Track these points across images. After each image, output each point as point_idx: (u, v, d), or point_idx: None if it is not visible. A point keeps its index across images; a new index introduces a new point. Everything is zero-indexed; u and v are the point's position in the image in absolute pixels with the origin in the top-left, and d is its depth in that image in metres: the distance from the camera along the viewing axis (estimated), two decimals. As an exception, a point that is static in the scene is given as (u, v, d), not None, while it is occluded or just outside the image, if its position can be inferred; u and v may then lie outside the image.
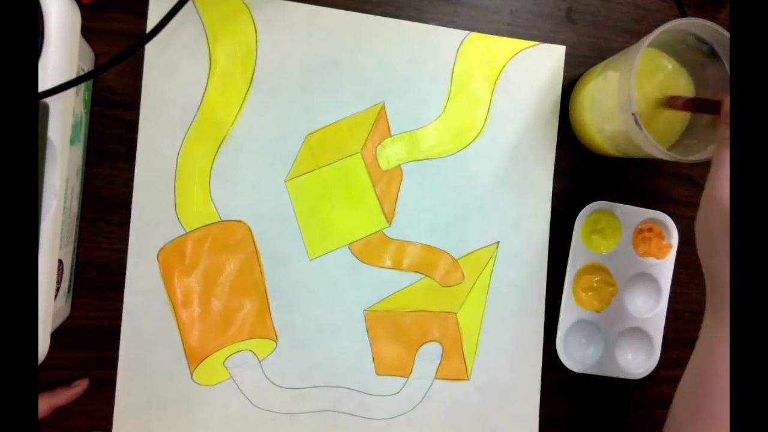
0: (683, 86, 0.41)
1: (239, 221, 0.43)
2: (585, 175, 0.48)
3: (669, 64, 0.41)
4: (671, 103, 0.40)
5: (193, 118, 0.42)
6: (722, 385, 0.33)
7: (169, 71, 0.42)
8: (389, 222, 0.45)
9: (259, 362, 0.43)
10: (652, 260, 0.47)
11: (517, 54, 0.47)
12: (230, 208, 0.43)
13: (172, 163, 0.42)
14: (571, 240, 0.46)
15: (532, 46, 0.47)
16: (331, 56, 0.44)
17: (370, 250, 0.45)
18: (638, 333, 0.47)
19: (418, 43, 0.45)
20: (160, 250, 0.42)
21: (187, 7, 0.42)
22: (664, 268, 0.47)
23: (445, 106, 0.46)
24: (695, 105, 0.39)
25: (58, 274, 0.34)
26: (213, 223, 0.43)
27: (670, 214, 0.47)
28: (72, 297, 0.41)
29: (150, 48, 0.42)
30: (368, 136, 0.44)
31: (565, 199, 0.47)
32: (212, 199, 0.43)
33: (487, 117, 0.46)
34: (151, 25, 0.41)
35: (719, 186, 0.33)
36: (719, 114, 0.37)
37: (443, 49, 0.45)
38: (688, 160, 0.37)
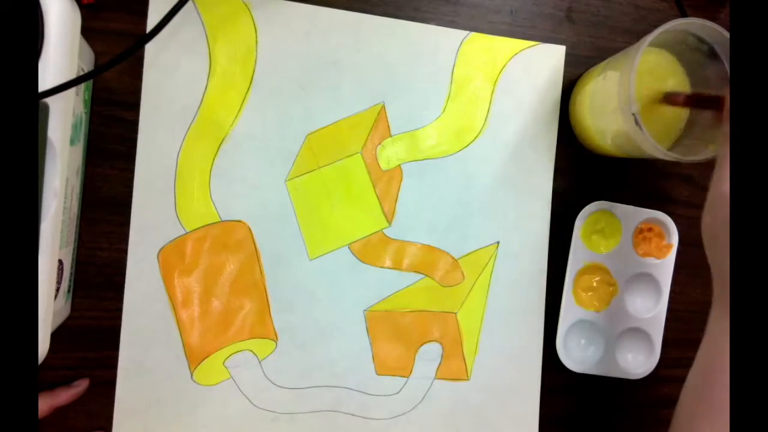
0: (683, 86, 0.41)
1: (239, 221, 0.43)
2: (585, 175, 0.48)
3: (669, 64, 0.41)
4: (670, 99, 0.40)
5: (193, 118, 0.42)
6: (728, 379, 0.33)
7: (169, 71, 0.42)
8: (389, 222, 0.45)
9: (259, 362, 0.43)
10: (652, 260, 0.47)
11: (517, 54, 0.47)
12: (230, 208, 0.43)
13: (172, 163, 0.42)
14: (571, 240, 0.46)
15: (532, 46, 0.47)
16: (331, 56, 0.44)
17: (370, 250, 0.45)
18: (638, 333, 0.47)
19: (418, 43, 0.45)
20: (160, 250, 0.42)
21: (187, 7, 0.42)
22: (664, 268, 0.47)
23: (445, 106, 0.46)
24: (695, 100, 0.39)
25: (58, 274, 0.34)
26: (213, 223, 0.43)
27: (670, 214, 0.47)
28: (72, 297, 0.41)
29: (150, 48, 0.42)
30: (368, 136, 0.44)
31: (565, 199, 0.47)
32: (212, 199, 0.43)
33: (487, 117, 0.46)
34: (151, 25, 0.41)
35: (724, 182, 0.33)
36: (719, 110, 0.37)
37: (443, 49, 0.45)
38: (688, 160, 0.37)
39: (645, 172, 0.48)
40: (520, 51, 0.47)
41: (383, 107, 0.45)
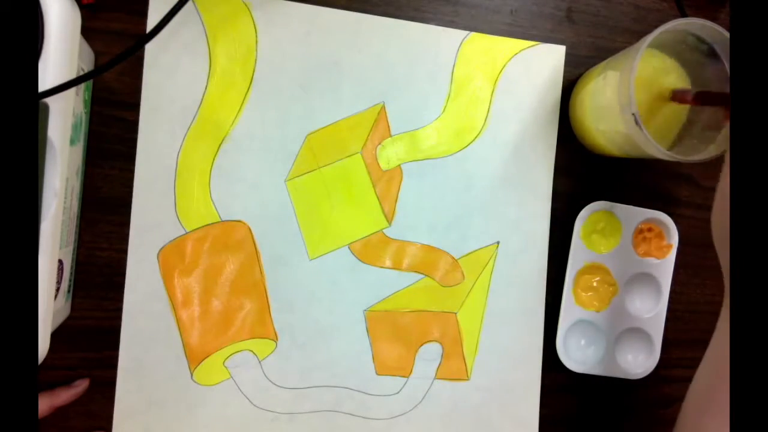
0: (683, 86, 0.41)
1: (239, 221, 0.43)
2: (585, 175, 0.48)
3: (669, 64, 0.41)
4: (679, 96, 0.39)
5: (193, 118, 0.42)
6: None
7: (169, 71, 0.42)
8: (389, 222, 0.45)
9: (259, 362, 0.43)
10: (652, 260, 0.47)
11: (517, 54, 0.47)
12: (230, 208, 0.43)
13: (172, 163, 0.42)
14: (571, 240, 0.46)
15: (532, 46, 0.47)
16: (331, 56, 0.44)
17: (370, 250, 0.45)
18: (638, 333, 0.47)
19: (418, 43, 0.45)
20: (160, 250, 0.42)
21: (187, 7, 0.42)
22: (664, 268, 0.47)
23: (445, 106, 0.46)
24: (704, 98, 0.39)
25: (58, 274, 0.34)
26: (213, 223, 0.43)
27: (670, 214, 0.47)
28: (72, 297, 0.41)
29: (150, 48, 0.42)
30: (368, 136, 0.44)
31: (565, 199, 0.47)
32: (212, 199, 0.43)
33: (487, 117, 0.46)
34: (151, 25, 0.41)
35: None
36: (728, 107, 0.36)
37: (443, 49, 0.45)
38: (688, 160, 0.37)
39: (645, 172, 0.48)
40: (520, 51, 0.47)
41: (383, 107, 0.45)
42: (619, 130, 0.40)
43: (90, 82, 0.41)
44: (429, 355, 0.46)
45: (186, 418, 0.42)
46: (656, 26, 0.36)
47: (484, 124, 0.46)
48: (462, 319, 0.46)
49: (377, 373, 0.45)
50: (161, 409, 0.42)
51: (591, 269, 0.46)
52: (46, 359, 0.33)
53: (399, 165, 0.45)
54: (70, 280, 0.40)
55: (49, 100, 0.30)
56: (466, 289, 0.46)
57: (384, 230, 0.45)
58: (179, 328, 0.42)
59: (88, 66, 0.39)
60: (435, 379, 0.46)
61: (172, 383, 0.42)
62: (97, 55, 0.41)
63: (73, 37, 0.32)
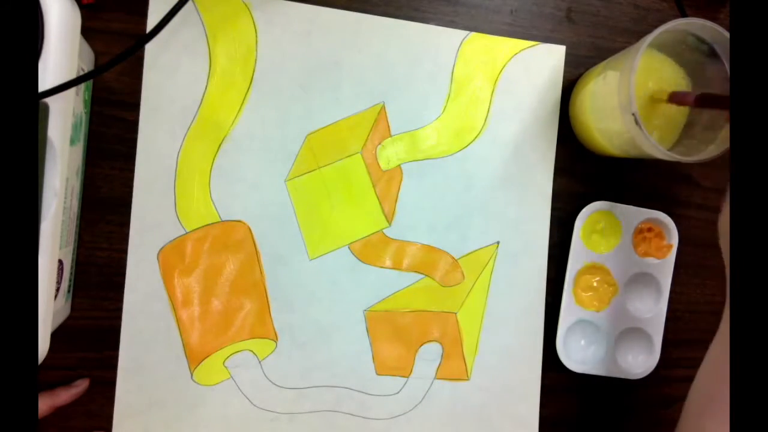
0: (683, 86, 0.41)
1: (239, 221, 0.43)
2: (585, 175, 0.48)
3: (669, 64, 0.41)
4: (679, 98, 0.39)
5: (193, 118, 0.42)
6: None
7: (169, 71, 0.42)
8: (389, 222, 0.45)
9: (259, 362, 0.43)
10: (652, 260, 0.47)
11: (517, 54, 0.47)
12: (230, 208, 0.43)
13: (172, 163, 0.42)
14: (571, 240, 0.46)
15: (532, 46, 0.47)
16: (331, 56, 0.44)
17: (370, 250, 0.45)
18: (638, 333, 0.47)
19: (418, 43, 0.45)
20: (160, 250, 0.42)
21: (187, 7, 0.42)
22: (664, 268, 0.47)
23: (445, 106, 0.46)
24: (705, 100, 0.39)
25: (58, 274, 0.34)
26: (213, 223, 0.43)
27: (670, 214, 0.47)
28: (72, 297, 0.41)
29: (150, 48, 0.42)
30: (368, 136, 0.44)
31: (565, 199, 0.47)
32: (212, 199, 0.43)
33: (487, 117, 0.46)
34: (151, 25, 0.41)
35: None
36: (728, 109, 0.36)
37: (443, 49, 0.45)
38: (688, 160, 0.37)
39: (645, 172, 0.48)
40: (520, 51, 0.47)
41: (383, 107, 0.45)
42: (619, 130, 0.40)
43: (90, 82, 0.41)
44: (429, 355, 0.46)
45: (186, 418, 0.42)
46: (656, 26, 0.36)
47: (484, 124, 0.46)
48: (462, 319, 0.46)
49: (377, 373, 0.45)
50: (161, 409, 0.42)
51: (591, 269, 0.46)
52: (46, 359, 0.33)
53: (399, 165, 0.45)
54: (70, 280, 0.40)
55: (49, 100, 0.30)
56: (466, 289, 0.46)
57: (384, 230, 0.45)
58: (179, 328, 0.42)
59: (88, 66, 0.39)
60: (435, 379, 0.46)
61: (172, 383, 0.42)
62: (97, 55, 0.41)
63: (73, 37, 0.32)
